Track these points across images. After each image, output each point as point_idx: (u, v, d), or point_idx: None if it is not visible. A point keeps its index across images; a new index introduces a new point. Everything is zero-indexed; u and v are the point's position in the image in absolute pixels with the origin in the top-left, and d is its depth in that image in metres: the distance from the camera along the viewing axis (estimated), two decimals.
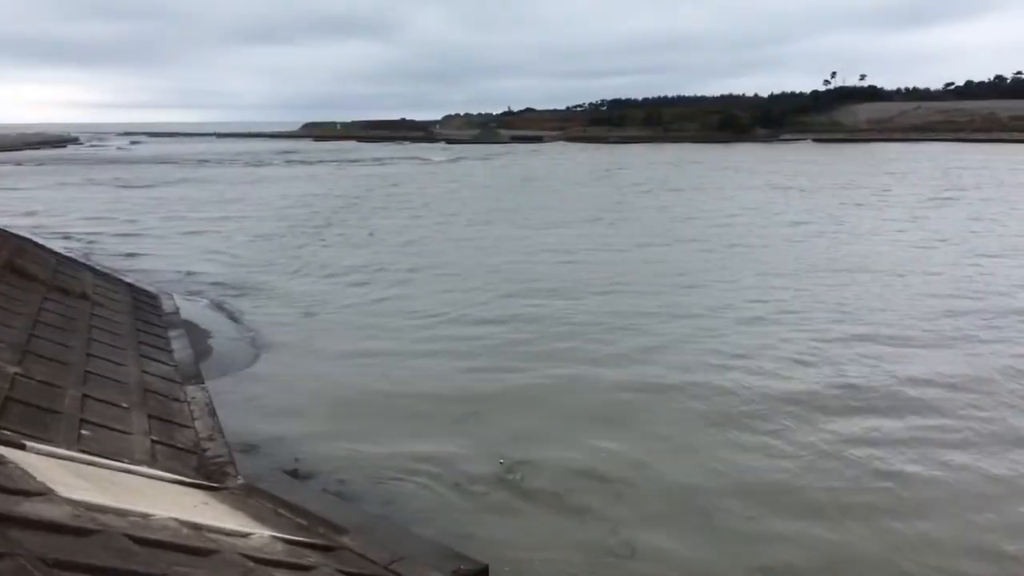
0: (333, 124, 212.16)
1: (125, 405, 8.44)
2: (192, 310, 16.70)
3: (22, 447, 5.34)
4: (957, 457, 9.47)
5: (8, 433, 5.83)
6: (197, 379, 10.70)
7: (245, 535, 5.01)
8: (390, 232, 30.16)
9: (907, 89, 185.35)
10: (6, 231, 19.44)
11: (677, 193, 46.49)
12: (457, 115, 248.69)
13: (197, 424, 8.68)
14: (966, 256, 23.59)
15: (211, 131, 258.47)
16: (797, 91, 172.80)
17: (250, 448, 9.36)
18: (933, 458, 9.43)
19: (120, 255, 24.14)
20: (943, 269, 21.63)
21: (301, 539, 5.42)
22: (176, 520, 4.61)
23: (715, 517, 8.06)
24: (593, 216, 34.81)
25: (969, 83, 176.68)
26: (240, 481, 7.04)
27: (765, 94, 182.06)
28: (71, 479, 4.90)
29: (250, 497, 6.55)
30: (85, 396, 8.18)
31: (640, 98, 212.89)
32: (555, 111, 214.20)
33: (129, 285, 16.86)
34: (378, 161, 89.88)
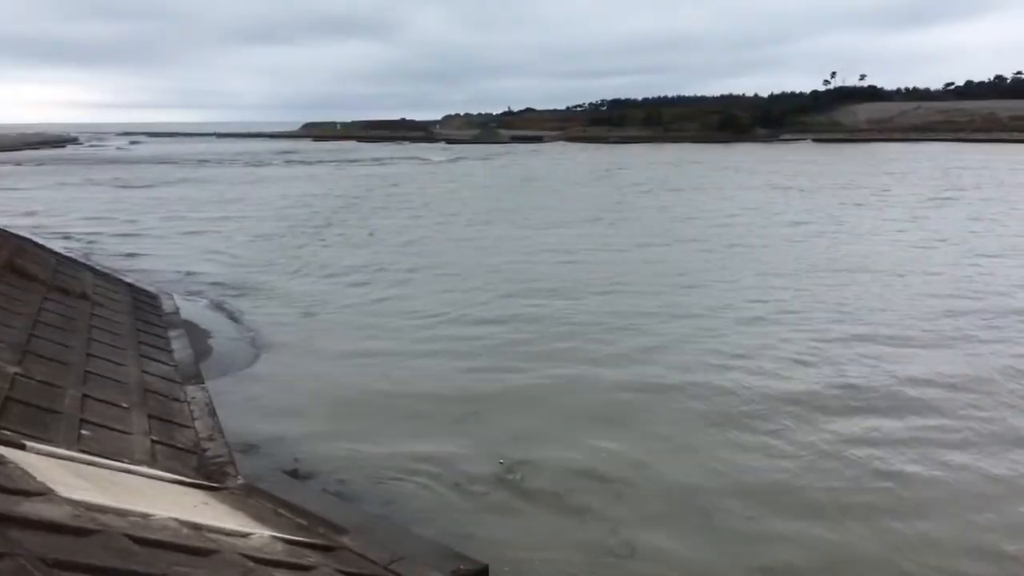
0: (333, 124, 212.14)
1: (125, 405, 8.43)
2: (192, 310, 16.69)
3: (22, 447, 5.34)
4: (957, 457, 9.47)
5: (8, 433, 5.83)
6: (197, 379, 10.70)
7: (245, 535, 5.01)
8: (390, 232, 30.15)
9: (907, 89, 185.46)
10: (6, 231, 19.44)
11: (677, 193, 46.49)
12: (457, 115, 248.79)
13: (197, 424, 8.68)
14: (966, 256, 23.59)
15: (211, 131, 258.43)
16: (797, 91, 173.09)
17: (250, 448, 9.36)
18: (933, 458, 9.43)
19: (120, 255, 24.13)
20: (943, 269, 21.63)
21: (301, 539, 5.41)
22: (176, 520, 4.60)
23: (715, 517, 8.06)
24: (593, 216, 34.80)
25: (969, 83, 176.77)
26: (240, 481, 7.04)
27: (765, 94, 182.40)
28: (71, 479, 4.90)
29: (250, 497, 6.55)
30: (85, 396, 8.18)
31: (640, 98, 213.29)
32: (555, 111, 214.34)
33: (129, 285, 16.86)
34: (378, 161, 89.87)
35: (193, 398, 9.65)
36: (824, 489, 8.65)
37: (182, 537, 4.36)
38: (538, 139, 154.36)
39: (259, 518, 5.82)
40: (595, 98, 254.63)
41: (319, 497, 7.56)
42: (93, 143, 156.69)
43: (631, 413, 11.03)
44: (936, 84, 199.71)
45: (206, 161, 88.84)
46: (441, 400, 11.53)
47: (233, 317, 16.68)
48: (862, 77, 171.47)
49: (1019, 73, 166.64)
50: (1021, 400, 11.38)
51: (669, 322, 16.03)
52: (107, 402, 8.31)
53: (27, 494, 4.05)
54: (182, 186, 53.79)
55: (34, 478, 4.42)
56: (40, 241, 21.13)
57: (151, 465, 6.71)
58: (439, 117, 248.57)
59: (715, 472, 9.10)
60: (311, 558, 5.03)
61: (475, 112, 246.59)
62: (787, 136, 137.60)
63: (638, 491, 8.67)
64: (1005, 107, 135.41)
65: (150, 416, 8.34)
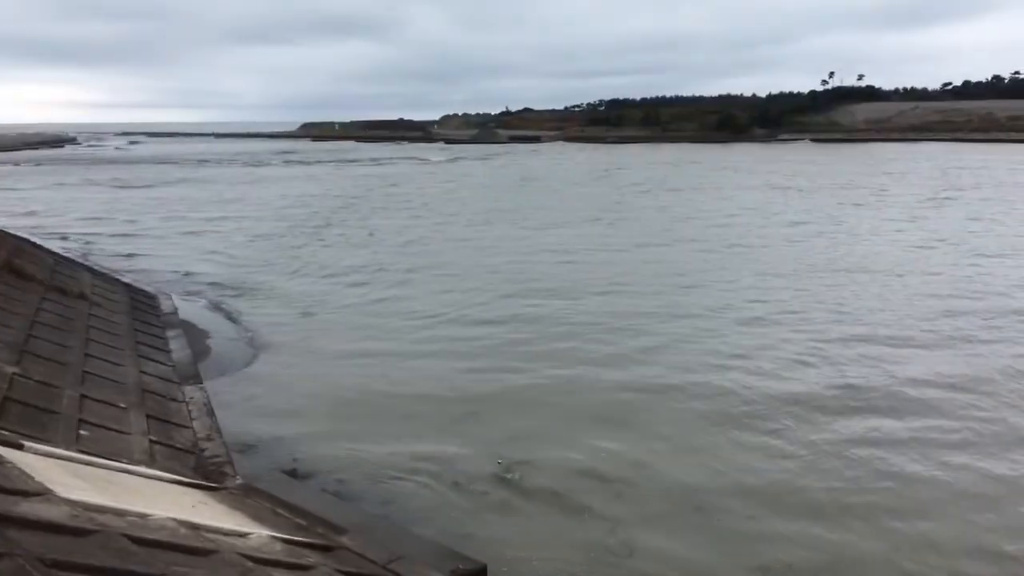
0: (331, 124, 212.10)
1: (123, 405, 8.41)
2: (190, 310, 16.66)
3: (20, 447, 5.32)
4: (957, 457, 9.46)
5: (6, 433, 5.80)
6: (195, 379, 10.68)
7: (243, 535, 4.99)
8: (389, 232, 30.14)
9: (905, 89, 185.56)
10: (4, 231, 19.40)
11: (676, 193, 46.51)
12: (455, 115, 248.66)
13: (195, 424, 8.66)
14: (965, 256, 23.60)
15: (210, 131, 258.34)
16: (795, 91, 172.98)
17: (248, 448, 9.34)
18: (933, 458, 9.43)
19: (118, 255, 24.10)
20: (942, 269, 21.64)
21: (300, 539, 5.40)
22: (174, 520, 4.59)
23: (715, 517, 8.05)
24: (592, 216, 34.80)
25: (967, 83, 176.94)
26: (238, 481, 7.02)
27: (763, 94, 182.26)
28: (69, 479, 4.88)
29: (248, 497, 6.53)
30: (83, 396, 8.16)
31: (638, 98, 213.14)
32: (553, 111, 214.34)
33: (127, 285, 16.83)
34: (376, 161, 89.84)
35: (191, 398, 9.64)
36: (824, 489, 8.64)
37: (180, 537, 4.35)
38: (536, 139, 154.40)
39: (258, 518, 5.80)
40: (593, 98, 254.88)
41: (318, 497, 7.55)
42: (92, 143, 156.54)
43: (630, 413, 11.01)
44: (934, 84, 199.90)
45: (205, 161, 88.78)
46: (440, 400, 11.52)
47: (232, 317, 16.65)
48: (860, 77, 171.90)
49: (1017, 73, 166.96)
50: (1021, 400, 11.38)
51: (668, 322, 16.02)
52: (105, 402, 8.29)
53: (25, 494, 4.04)
54: (181, 186, 53.75)
55: (32, 478, 4.40)
56: (38, 241, 21.10)
57: (149, 465, 6.69)
58: (437, 117, 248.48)
59: (715, 472, 9.09)
60: (310, 558, 5.02)
61: (473, 112, 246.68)
62: (785, 136, 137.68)
63: (638, 491, 8.65)
64: (1003, 107, 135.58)
65: (148, 416, 8.32)
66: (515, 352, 14.04)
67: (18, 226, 26.58)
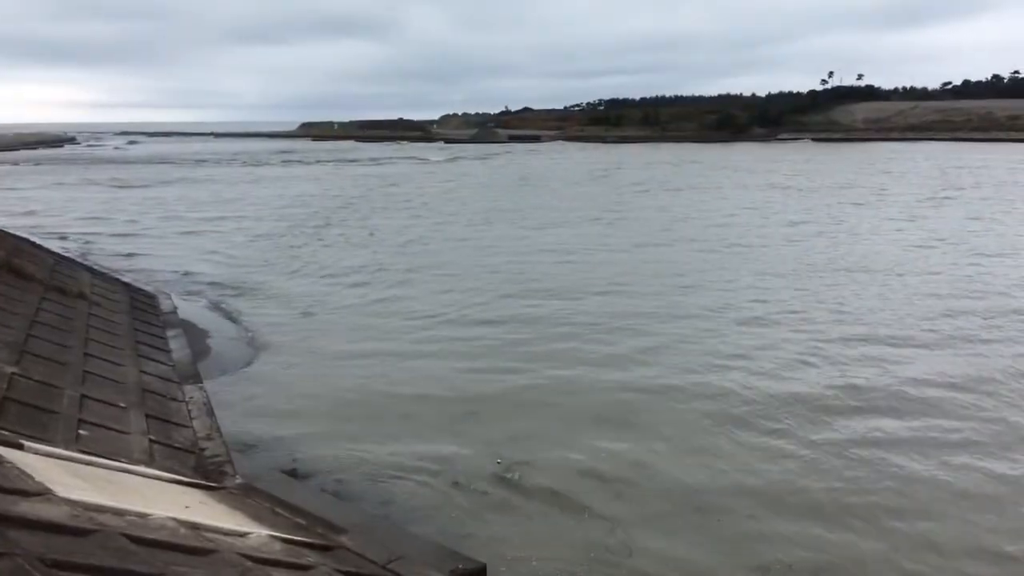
0: (331, 124, 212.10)
1: (123, 405, 8.40)
2: (190, 310, 16.66)
3: (20, 447, 5.31)
4: (958, 457, 9.46)
5: (6, 433, 5.79)
6: (195, 379, 10.66)
7: (243, 535, 4.99)
8: (389, 232, 30.13)
9: (904, 89, 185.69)
10: (3, 231, 19.38)
11: (675, 193, 46.50)
12: (455, 115, 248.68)
13: (195, 424, 8.65)
14: (965, 256, 23.61)
15: (209, 131, 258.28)
16: (795, 91, 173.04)
17: (248, 448, 9.34)
18: (934, 458, 9.43)
19: (118, 255, 24.09)
20: (942, 269, 21.64)
21: (299, 538, 5.39)
22: (174, 519, 4.58)
23: (715, 517, 8.04)
24: (592, 216, 34.80)
25: (966, 83, 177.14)
26: (238, 481, 7.01)
27: (763, 94, 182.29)
28: (69, 479, 4.88)
29: (248, 497, 6.52)
30: (83, 396, 8.15)
31: (638, 98, 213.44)
32: (552, 111, 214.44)
33: (127, 285, 16.82)
34: (376, 161, 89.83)
35: (191, 398, 9.62)
36: (824, 489, 8.63)
37: (180, 537, 4.34)
38: (536, 139, 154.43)
39: (257, 517, 5.79)
40: (592, 98, 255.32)
41: (317, 496, 7.54)
42: (91, 143, 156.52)
43: (630, 413, 11.01)
44: (933, 84, 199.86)
45: (204, 161, 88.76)
46: (440, 400, 11.52)
47: (231, 317, 16.65)
48: (859, 77, 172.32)
49: (1016, 73, 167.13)
50: (1022, 400, 11.38)
51: (668, 322, 16.02)
52: (105, 402, 8.28)
53: (25, 494, 4.03)
54: (180, 186, 53.74)
55: (32, 478, 4.40)
56: (38, 241, 21.08)
57: (149, 465, 6.68)
58: (437, 117, 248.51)
59: (715, 472, 9.08)
60: (309, 557, 5.01)
61: (473, 112, 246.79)
62: (785, 136, 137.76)
63: (638, 491, 8.65)
64: (1002, 106, 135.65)
65: (148, 416, 8.31)
66: (515, 352, 14.03)
67: (17, 226, 26.57)
